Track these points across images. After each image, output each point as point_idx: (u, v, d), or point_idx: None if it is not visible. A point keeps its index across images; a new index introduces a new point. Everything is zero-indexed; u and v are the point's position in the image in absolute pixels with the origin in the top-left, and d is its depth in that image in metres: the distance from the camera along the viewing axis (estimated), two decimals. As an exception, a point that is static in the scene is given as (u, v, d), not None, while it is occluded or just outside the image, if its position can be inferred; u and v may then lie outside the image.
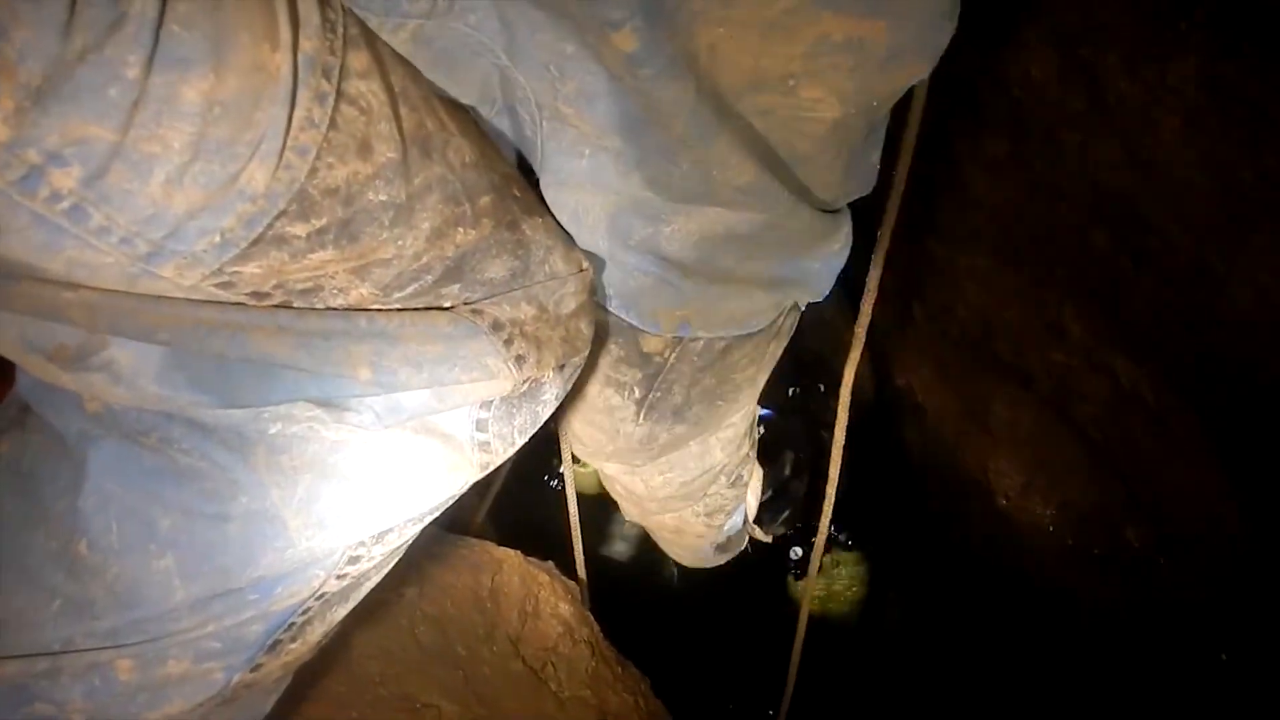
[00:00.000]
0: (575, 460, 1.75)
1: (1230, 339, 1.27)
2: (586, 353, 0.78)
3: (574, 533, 1.31)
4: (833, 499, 1.05)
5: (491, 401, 0.70)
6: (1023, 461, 1.84)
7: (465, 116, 0.71)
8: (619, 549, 1.83)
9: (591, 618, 1.28)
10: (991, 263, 1.65)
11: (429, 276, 0.64)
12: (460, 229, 0.64)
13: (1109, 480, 1.69)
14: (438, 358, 0.64)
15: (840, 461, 0.99)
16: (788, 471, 1.39)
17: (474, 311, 0.66)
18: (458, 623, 1.13)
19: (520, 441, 0.76)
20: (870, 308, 0.88)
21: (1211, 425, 1.44)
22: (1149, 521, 1.66)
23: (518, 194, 0.72)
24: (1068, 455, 1.74)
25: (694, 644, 1.60)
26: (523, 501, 1.36)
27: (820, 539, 1.10)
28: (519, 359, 0.68)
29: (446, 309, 0.65)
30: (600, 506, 1.77)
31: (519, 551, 1.26)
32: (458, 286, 0.65)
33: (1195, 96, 1.13)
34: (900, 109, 0.85)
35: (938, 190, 1.62)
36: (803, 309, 1.00)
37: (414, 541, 1.24)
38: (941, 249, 1.73)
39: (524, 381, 0.70)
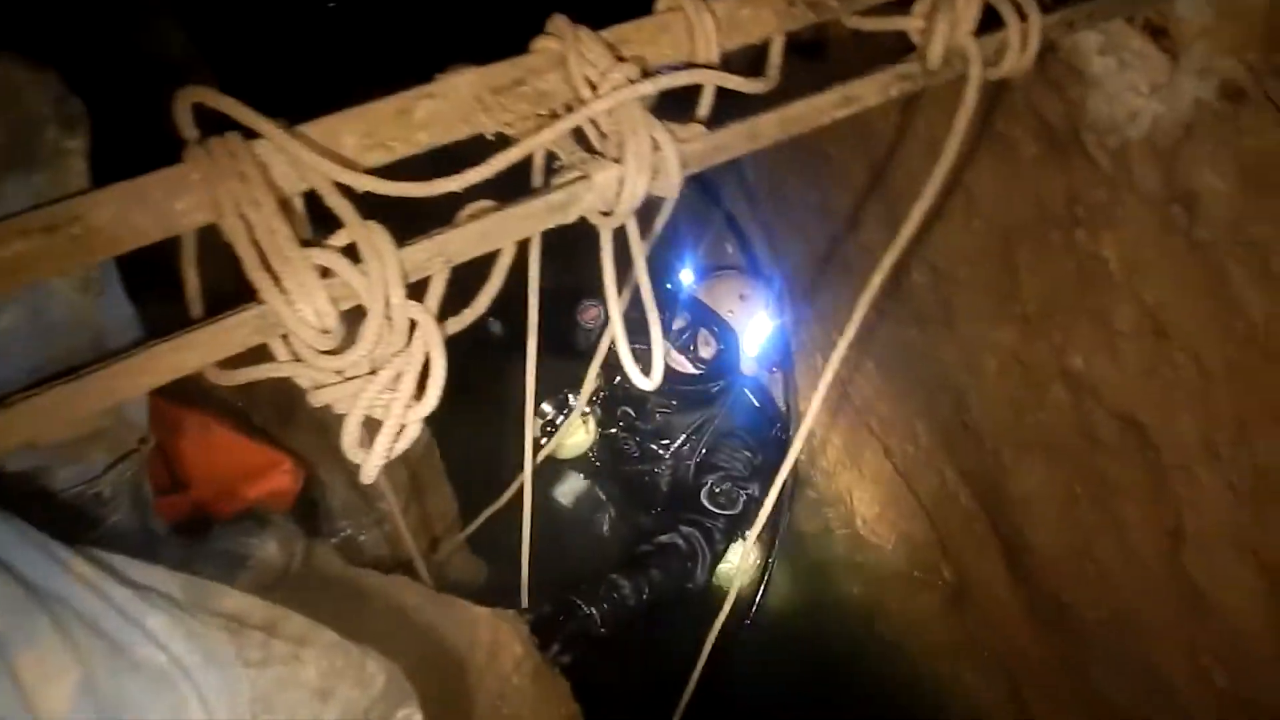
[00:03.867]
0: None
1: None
2: None
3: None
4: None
5: None
6: (880, 499, 2.36)
7: None
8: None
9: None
10: (884, 385, 2.08)
11: None
12: None
13: (934, 537, 2.22)
14: None
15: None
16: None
17: None
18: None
19: None
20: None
21: (1001, 535, 1.94)
22: (955, 567, 2.21)
23: None
24: (908, 509, 2.26)
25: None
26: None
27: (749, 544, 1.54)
28: None
29: None
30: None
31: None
32: None
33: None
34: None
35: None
36: None
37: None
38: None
39: None
